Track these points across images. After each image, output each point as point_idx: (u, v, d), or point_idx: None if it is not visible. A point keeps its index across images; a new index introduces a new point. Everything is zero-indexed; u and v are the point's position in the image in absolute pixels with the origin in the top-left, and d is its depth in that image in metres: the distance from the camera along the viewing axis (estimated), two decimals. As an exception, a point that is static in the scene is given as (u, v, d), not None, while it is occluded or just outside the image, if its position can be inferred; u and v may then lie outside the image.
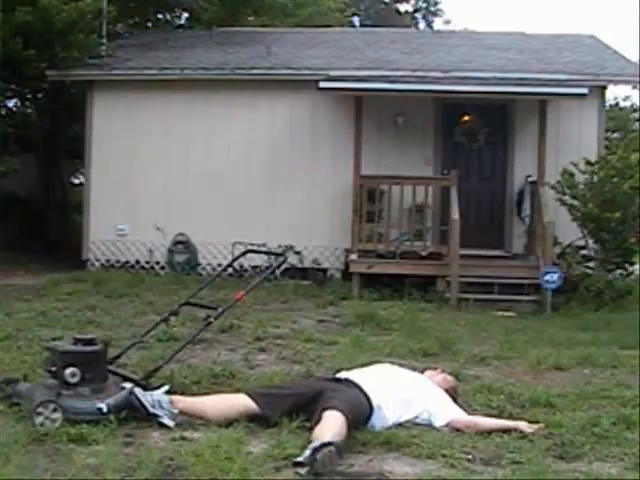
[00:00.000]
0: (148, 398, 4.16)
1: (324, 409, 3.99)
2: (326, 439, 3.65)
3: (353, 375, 4.51)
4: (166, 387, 4.32)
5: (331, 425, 3.87)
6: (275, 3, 18.55)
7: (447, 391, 4.63)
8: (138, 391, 4.18)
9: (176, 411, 4.19)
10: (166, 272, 11.96)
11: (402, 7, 34.64)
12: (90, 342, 4.49)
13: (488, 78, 11.72)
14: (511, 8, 59.59)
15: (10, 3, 11.77)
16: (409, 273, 10.61)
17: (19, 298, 9.19)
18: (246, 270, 11.58)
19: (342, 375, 4.56)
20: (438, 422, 4.35)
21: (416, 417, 4.41)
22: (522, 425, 4.31)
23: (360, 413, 4.18)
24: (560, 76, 11.69)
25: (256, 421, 4.26)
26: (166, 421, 4.12)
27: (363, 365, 4.98)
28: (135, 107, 12.38)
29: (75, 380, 4.23)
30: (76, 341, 4.50)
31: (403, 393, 4.43)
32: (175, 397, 4.29)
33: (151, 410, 4.14)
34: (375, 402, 4.26)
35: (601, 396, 5.21)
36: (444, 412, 4.39)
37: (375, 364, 5.01)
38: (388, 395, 4.34)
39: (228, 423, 4.16)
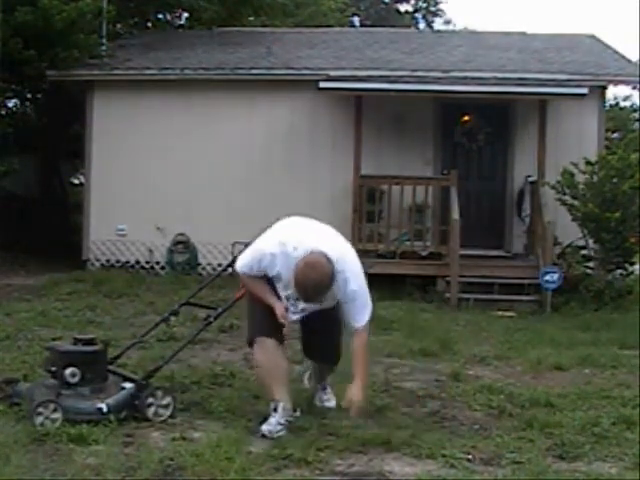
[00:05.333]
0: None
1: None
2: None
3: None
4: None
5: None
6: (275, 3, 18.51)
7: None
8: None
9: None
10: (166, 272, 11.95)
11: (402, 7, 34.60)
12: (90, 342, 4.50)
13: (488, 78, 11.71)
14: (511, 8, 59.62)
15: (10, 3, 11.76)
16: (409, 273, 10.61)
17: (19, 298, 9.18)
18: (246, 270, 11.55)
19: None
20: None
21: None
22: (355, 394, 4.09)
23: None
24: (560, 76, 11.69)
25: (256, 421, 4.27)
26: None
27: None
28: (135, 107, 12.36)
29: (75, 380, 4.23)
30: (76, 341, 4.51)
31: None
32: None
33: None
34: None
35: (601, 396, 5.22)
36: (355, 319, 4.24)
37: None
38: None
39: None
